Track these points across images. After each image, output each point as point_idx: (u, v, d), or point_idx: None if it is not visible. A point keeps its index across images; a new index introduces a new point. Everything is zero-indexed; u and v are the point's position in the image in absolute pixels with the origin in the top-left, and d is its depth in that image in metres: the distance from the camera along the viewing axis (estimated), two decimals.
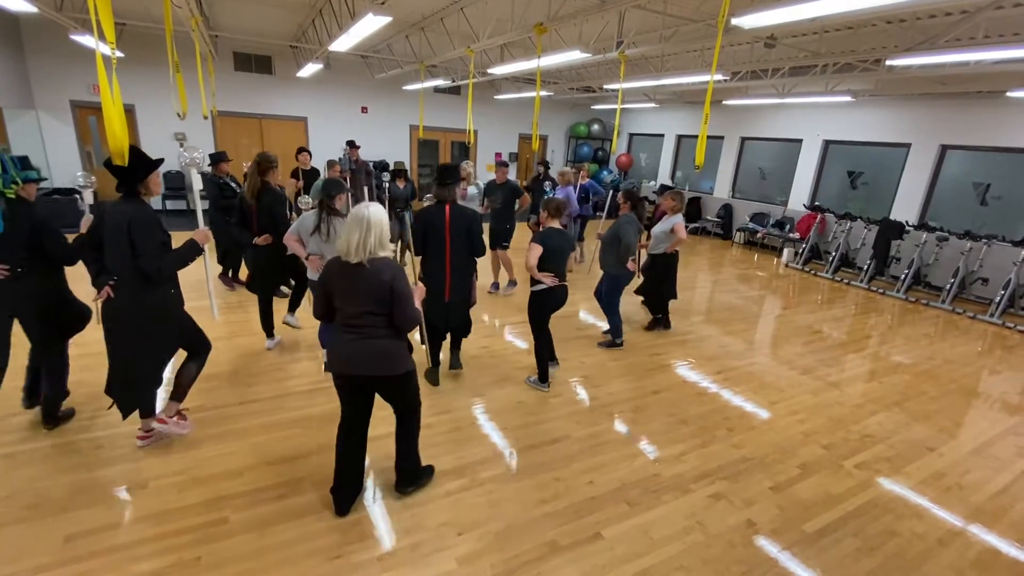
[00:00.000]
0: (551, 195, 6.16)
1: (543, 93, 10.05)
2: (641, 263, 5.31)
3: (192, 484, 2.76)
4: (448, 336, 4.11)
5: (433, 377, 3.99)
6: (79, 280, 3.08)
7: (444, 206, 3.63)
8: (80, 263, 2.88)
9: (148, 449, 3.01)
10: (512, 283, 6.44)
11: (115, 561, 2.25)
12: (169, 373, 3.24)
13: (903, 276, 7.77)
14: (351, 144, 8.04)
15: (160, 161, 2.72)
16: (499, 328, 5.34)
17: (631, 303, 5.84)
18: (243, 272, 5.87)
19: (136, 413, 2.94)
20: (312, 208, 3.80)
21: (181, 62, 5.23)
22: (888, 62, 5.71)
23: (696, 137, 7.57)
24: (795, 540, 2.65)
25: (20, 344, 3.08)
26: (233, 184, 5.64)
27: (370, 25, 5.01)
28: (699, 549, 2.54)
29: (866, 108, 9.03)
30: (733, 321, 6.06)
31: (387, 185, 6.79)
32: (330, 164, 6.55)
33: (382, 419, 2.94)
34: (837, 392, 4.39)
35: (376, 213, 2.29)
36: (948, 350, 5.60)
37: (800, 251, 9.38)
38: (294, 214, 4.62)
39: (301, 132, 11.35)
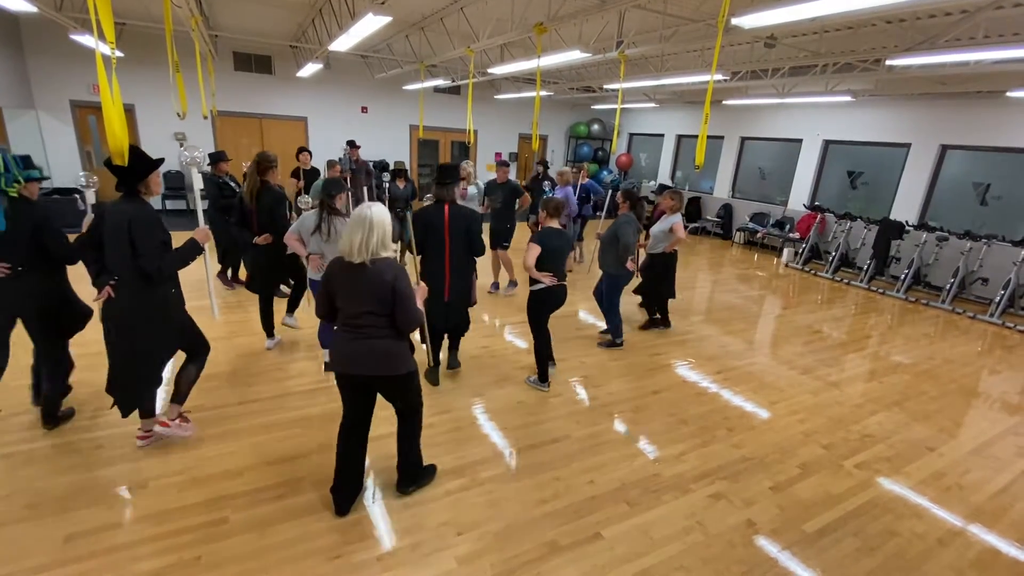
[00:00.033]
0: (550, 195, 6.16)
1: (543, 93, 10.05)
2: (640, 263, 5.31)
3: (192, 484, 2.76)
4: (446, 336, 4.11)
5: (433, 377, 3.99)
6: (80, 280, 3.08)
7: (443, 206, 3.63)
8: (80, 262, 2.89)
9: (148, 449, 3.01)
10: (512, 283, 6.44)
11: (115, 561, 2.25)
12: (169, 373, 3.24)
13: (903, 276, 7.77)
14: (351, 144, 8.05)
15: (161, 161, 2.72)
16: (499, 328, 5.34)
17: (631, 303, 5.84)
18: (242, 272, 5.88)
19: (136, 413, 2.93)
20: (312, 208, 3.81)
21: (181, 62, 5.23)
22: (888, 62, 5.71)
23: (696, 137, 7.58)
24: (795, 540, 2.65)
25: (23, 344, 3.08)
26: (232, 184, 5.64)
27: (370, 25, 5.01)
28: (699, 549, 2.54)
29: (866, 108, 9.03)
30: (733, 321, 6.06)
31: (387, 185, 6.79)
32: (330, 164, 6.55)
33: (383, 419, 2.95)
34: (837, 392, 4.40)
35: (379, 214, 2.29)
36: (948, 350, 5.60)
37: (800, 251, 9.38)
38: (294, 214, 4.62)
39: (301, 132, 11.35)
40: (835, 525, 2.78)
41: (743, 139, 11.41)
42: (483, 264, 5.41)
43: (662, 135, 13.32)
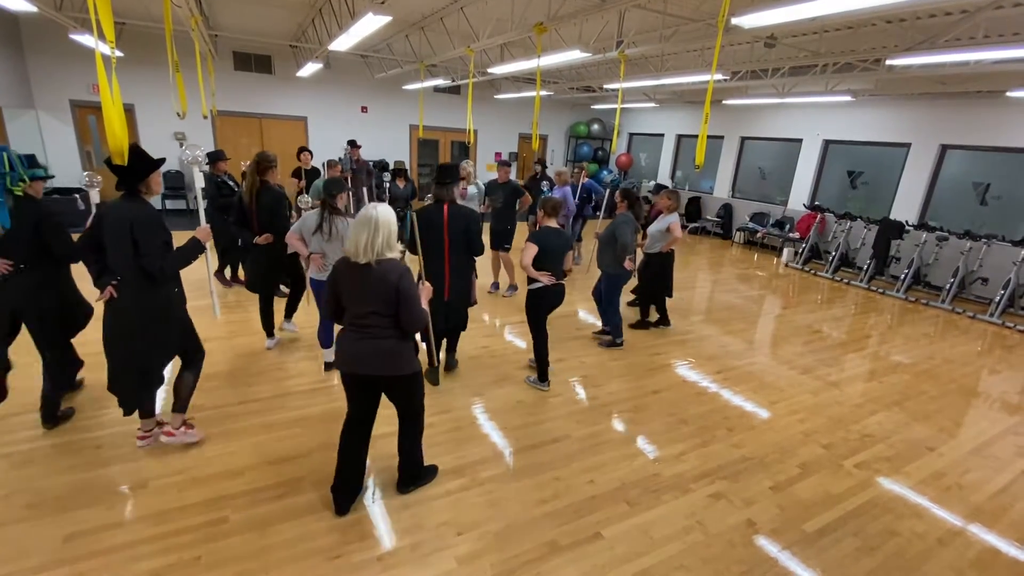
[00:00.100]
0: (548, 195, 6.15)
1: (543, 93, 10.04)
2: (638, 263, 5.31)
3: (192, 484, 2.76)
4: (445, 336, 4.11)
5: (433, 377, 3.99)
6: (81, 279, 3.08)
7: (442, 205, 3.63)
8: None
9: (148, 449, 3.01)
10: (512, 287, 6.41)
11: (115, 561, 2.25)
12: (169, 373, 3.24)
13: (903, 276, 7.77)
14: (352, 144, 8.04)
15: (162, 161, 2.72)
16: (499, 328, 5.34)
17: (624, 302, 5.83)
18: (241, 272, 5.88)
19: (136, 412, 2.93)
20: (313, 207, 3.81)
21: (181, 62, 5.23)
22: (888, 62, 5.71)
23: (696, 137, 7.57)
24: (795, 540, 2.65)
25: (25, 344, 3.08)
26: (231, 183, 5.64)
27: (370, 24, 5.01)
28: (699, 549, 2.54)
29: (866, 108, 9.03)
30: (733, 321, 6.06)
31: (387, 185, 6.80)
32: (330, 164, 6.55)
33: (383, 418, 2.94)
34: (837, 392, 4.40)
35: (384, 214, 2.30)
36: (948, 350, 5.60)
37: (800, 251, 9.38)
38: (294, 213, 4.62)
39: (301, 132, 11.34)
40: (835, 525, 2.78)
41: (743, 139, 11.41)
42: (483, 264, 5.41)
43: (662, 135, 13.32)
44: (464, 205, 3.78)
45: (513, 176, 7.67)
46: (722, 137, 11.63)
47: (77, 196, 8.23)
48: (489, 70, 7.86)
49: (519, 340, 4.99)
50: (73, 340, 3.23)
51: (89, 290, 2.87)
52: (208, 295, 3.27)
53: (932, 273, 7.88)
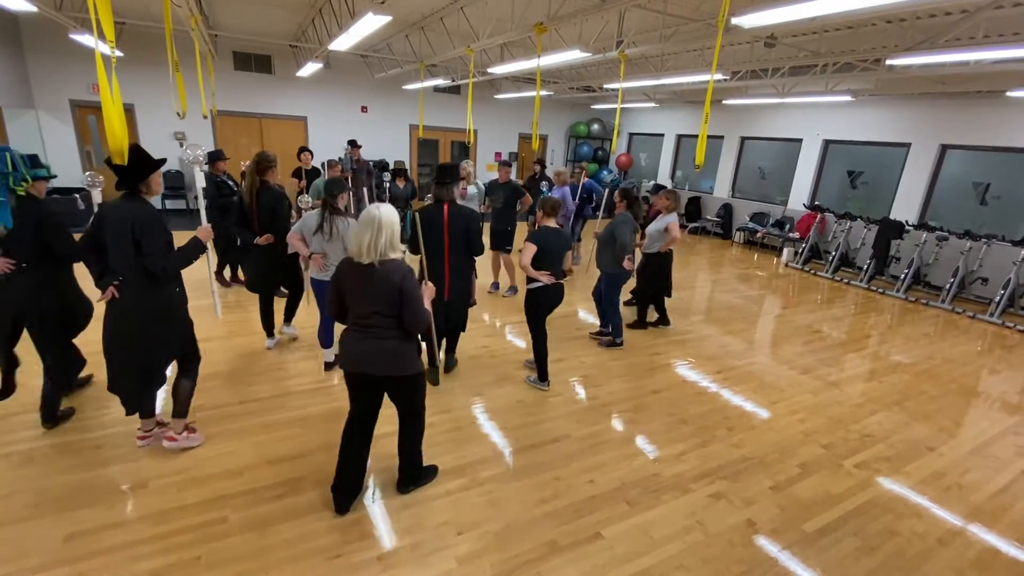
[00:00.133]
0: (547, 194, 6.14)
1: (543, 93, 10.05)
2: (636, 263, 5.31)
3: (192, 484, 2.76)
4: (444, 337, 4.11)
5: (433, 377, 3.99)
6: (82, 279, 3.08)
7: (442, 205, 3.63)
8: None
9: (148, 449, 3.01)
10: (512, 289, 6.40)
11: (115, 560, 2.25)
12: (170, 373, 3.24)
13: (903, 276, 7.77)
14: (353, 143, 8.03)
15: (162, 161, 2.72)
16: (499, 328, 5.34)
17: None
18: (241, 272, 5.87)
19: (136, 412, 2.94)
20: (313, 208, 3.81)
21: (181, 61, 5.23)
22: (888, 62, 5.71)
23: (696, 137, 7.58)
24: (795, 540, 2.65)
25: (26, 344, 3.08)
26: (230, 183, 5.64)
27: (370, 24, 5.01)
28: (699, 548, 2.54)
29: (866, 108, 9.03)
30: (733, 321, 6.06)
31: (387, 185, 6.80)
32: (330, 164, 6.55)
33: (384, 417, 2.93)
34: (837, 392, 4.40)
35: (387, 215, 2.30)
36: (948, 350, 5.60)
37: (800, 251, 9.38)
38: (294, 213, 4.62)
39: (301, 132, 11.34)
40: (835, 525, 2.78)
41: (743, 139, 11.41)
42: (483, 264, 5.41)
43: (662, 135, 13.32)
44: (464, 205, 3.77)
45: (513, 176, 7.66)
46: (722, 137, 11.63)
47: (77, 196, 8.22)
48: (489, 70, 7.86)
49: (519, 340, 4.99)
50: (75, 340, 3.23)
51: (91, 290, 2.86)
52: (209, 295, 3.27)
53: (932, 273, 7.88)
